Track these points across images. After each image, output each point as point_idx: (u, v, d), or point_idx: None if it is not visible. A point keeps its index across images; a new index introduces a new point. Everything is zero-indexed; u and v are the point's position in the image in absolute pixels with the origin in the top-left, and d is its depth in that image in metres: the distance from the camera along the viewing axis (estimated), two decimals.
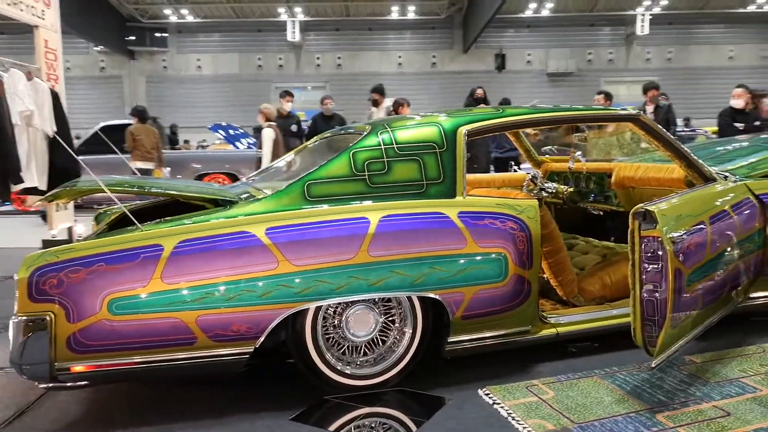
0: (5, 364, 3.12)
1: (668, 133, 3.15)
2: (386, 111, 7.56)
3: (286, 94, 7.93)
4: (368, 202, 2.69)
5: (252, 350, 2.48)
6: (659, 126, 3.15)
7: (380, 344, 2.73)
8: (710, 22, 23.42)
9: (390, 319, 2.73)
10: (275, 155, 7.32)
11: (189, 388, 2.80)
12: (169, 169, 9.42)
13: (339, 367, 2.65)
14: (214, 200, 2.81)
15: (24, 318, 2.28)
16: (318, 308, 2.57)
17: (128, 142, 8.09)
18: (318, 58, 25.22)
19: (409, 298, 2.68)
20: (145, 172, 8.05)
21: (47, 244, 6.62)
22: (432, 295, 2.64)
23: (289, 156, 3.78)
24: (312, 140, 3.86)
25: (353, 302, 2.62)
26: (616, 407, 2.51)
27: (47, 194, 2.69)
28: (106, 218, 3.64)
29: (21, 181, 4.06)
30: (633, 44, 23.72)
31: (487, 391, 2.68)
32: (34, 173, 4.24)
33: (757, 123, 6.46)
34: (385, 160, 2.75)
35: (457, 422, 2.44)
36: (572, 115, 3.29)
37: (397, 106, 7.37)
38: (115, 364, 2.36)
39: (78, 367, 2.33)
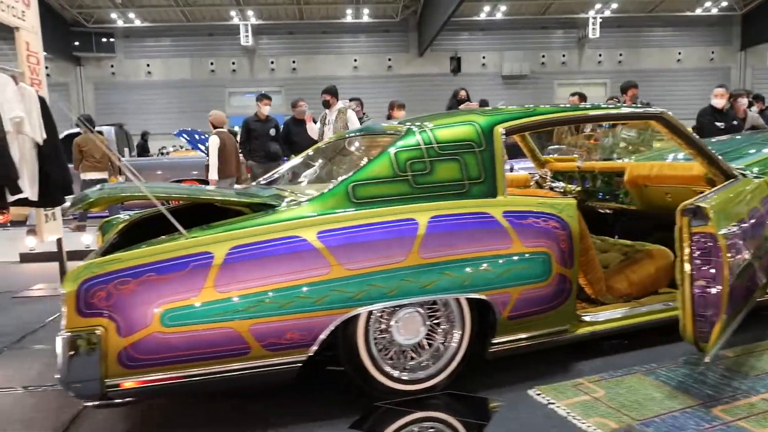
0: (31, 382, 2.97)
1: (691, 132, 3.22)
2: (338, 112, 7.22)
3: (264, 97, 7.76)
4: (413, 204, 2.64)
5: (305, 358, 2.41)
6: (682, 124, 3.21)
7: (426, 348, 2.69)
8: (659, 26, 24.26)
9: (435, 321, 2.69)
10: (225, 162, 7.31)
11: (233, 400, 2.69)
12: (123, 177, 9.11)
13: (391, 372, 2.59)
14: (253, 205, 2.71)
15: (73, 334, 2.14)
16: (370, 313, 2.51)
17: (75, 153, 7.81)
18: (272, 63, 24.92)
19: (457, 300, 2.64)
20: (98, 183, 7.81)
21: (24, 257, 6.32)
22: (480, 296, 2.61)
23: (307, 158, 3.69)
24: (325, 141, 3.78)
25: (402, 306, 2.57)
26: (669, 403, 2.53)
27: (82, 201, 2.50)
28: (112, 228, 3.50)
29: (19, 191, 3.83)
30: (585, 47, 24.35)
31: (538, 391, 2.67)
32: (26, 183, 4.00)
33: (735, 122, 6.70)
34: (427, 160, 2.71)
35: (518, 424, 2.42)
36: (598, 114, 3.33)
37: (391, 107, 7.31)
38: (166, 379, 2.25)
39: (128, 383, 2.21)
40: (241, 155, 7.91)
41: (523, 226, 2.69)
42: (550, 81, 24.48)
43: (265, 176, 3.84)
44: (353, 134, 3.63)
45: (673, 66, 24.08)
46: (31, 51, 4.72)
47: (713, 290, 2.48)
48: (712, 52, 24.44)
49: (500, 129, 2.85)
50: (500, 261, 2.63)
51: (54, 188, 4.31)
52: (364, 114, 8.37)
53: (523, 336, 2.77)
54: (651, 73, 23.77)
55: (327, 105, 7.35)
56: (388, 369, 2.59)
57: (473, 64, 24.81)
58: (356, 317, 2.47)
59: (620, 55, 24.35)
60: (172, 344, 2.23)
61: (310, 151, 3.76)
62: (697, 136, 3.20)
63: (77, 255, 5.48)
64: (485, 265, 2.60)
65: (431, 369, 2.67)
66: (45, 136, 4.24)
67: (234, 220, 2.52)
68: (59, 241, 4.84)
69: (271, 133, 7.75)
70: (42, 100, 4.32)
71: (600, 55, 24.40)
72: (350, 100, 7.75)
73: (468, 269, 2.57)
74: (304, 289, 2.35)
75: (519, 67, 24.50)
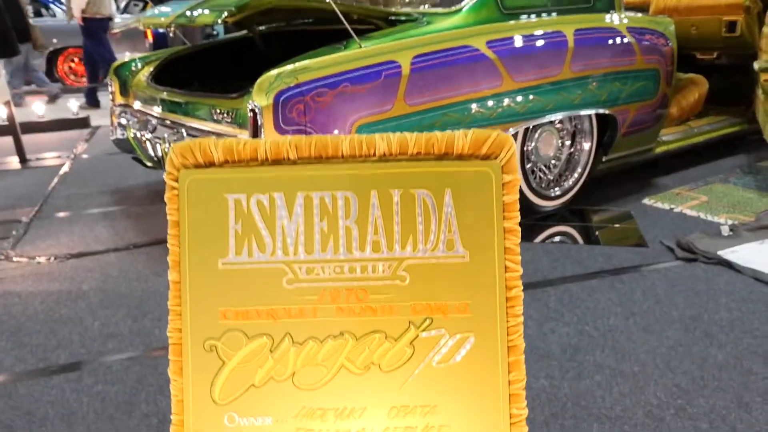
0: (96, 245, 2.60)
1: None
2: None
3: None
4: (550, 16, 2.55)
5: None
6: None
7: (558, 164, 2.72)
8: None
9: (560, 141, 2.71)
10: None
11: None
12: None
13: (537, 189, 2.60)
14: (387, 18, 2.46)
15: None
16: (526, 129, 2.45)
17: None
18: None
19: (588, 116, 2.66)
20: None
21: None
22: (610, 112, 2.65)
23: None
24: None
25: (543, 123, 2.54)
26: (766, 200, 2.82)
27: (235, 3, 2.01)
28: (137, 70, 3.06)
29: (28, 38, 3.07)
30: None
31: (652, 200, 2.84)
32: None
33: None
34: None
35: (664, 223, 2.57)
36: None
37: None
38: None
39: None
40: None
41: (643, 42, 2.72)
42: None
43: None
44: None
45: None
46: None
47: None
48: None
49: None
50: (627, 77, 2.67)
51: (6, 33, 3.54)
52: None
53: (625, 153, 2.89)
54: None
55: None
56: (534, 185, 2.59)
57: None
58: (515, 134, 2.40)
59: None
60: None
61: None
62: None
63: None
64: (617, 80, 2.63)
65: (566, 184, 2.72)
66: None
67: (395, 30, 2.27)
68: (9, 106, 4.06)
69: None
70: None
71: None
72: None
73: (605, 85, 2.58)
74: (481, 102, 2.23)
75: None
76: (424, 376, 0.90)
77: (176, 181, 0.91)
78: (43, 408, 1.51)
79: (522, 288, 0.92)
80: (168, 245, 0.92)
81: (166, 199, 0.92)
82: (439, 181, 0.90)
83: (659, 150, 3.10)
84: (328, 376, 0.90)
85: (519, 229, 0.92)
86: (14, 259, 2.57)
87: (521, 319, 0.92)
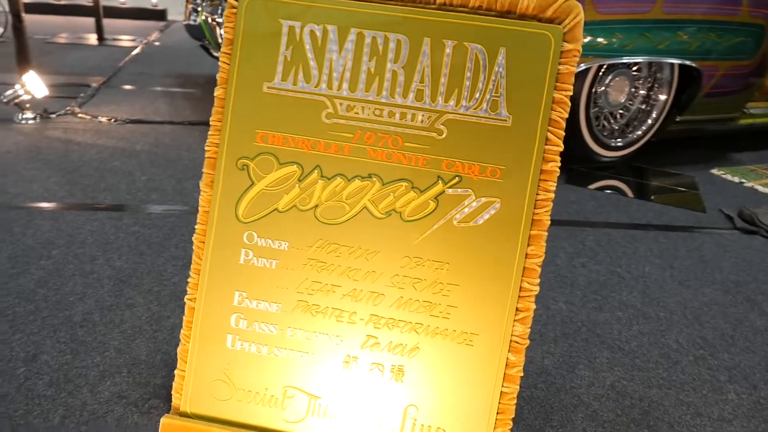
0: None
1: None
2: None
3: None
4: None
5: None
6: None
7: (621, 117, 2.61)
8: None
9: (634, 89, 2.59)
10: None
11: None
12: None
13: (598, 136, 2.52)
14: None
15: None
16: (599, 68, 2.36)
17: None
18: None
19: (671, 65, 2.53)
20: None
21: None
22: (696, 65, 2.50)
23: None
24: None
25: (616, 64, 2.43)
26: None
27: None
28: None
29: None
30: None
31: (722, 172, 2.71)
32: None
33: None
34: None
35: (728, 194, 2.46)
36: None
37: None
38: None
39: None
40: None
41: None
42: None
43: None
44: None
45: None
46: None
47: None
48: None
49: None
50: (726, 30, 2.50)
51: None
52: None
53: (703, 118, 2.74)
54: None
55: None
56: (596, 131, 2.51)
57: None
58: (586, 71, 2.31)
59: None
60: None
61: None
62: None
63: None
64: (712, 31, 2.47)
65: (632, 136, 2.63)
66: None
67: None
68: None
69: None
70: None
71: None
72: None
73: (697, 33, 2.43)
74: None
75: None
76: (443, 232, 0.90)
77: None
78: (83, 234, 1.60)
79: (559, 164, 0.89)
80: (219, 63, 0.93)
81: (224, 18, 0.93)
82: (495, 37, 0.87)
83: (743, 122, 2.93)
84: (349, 215, 0.91)
85: (569, 103, 0.88)
86: (79, 115, 2.67)
87: (552, 195, 0.90)
